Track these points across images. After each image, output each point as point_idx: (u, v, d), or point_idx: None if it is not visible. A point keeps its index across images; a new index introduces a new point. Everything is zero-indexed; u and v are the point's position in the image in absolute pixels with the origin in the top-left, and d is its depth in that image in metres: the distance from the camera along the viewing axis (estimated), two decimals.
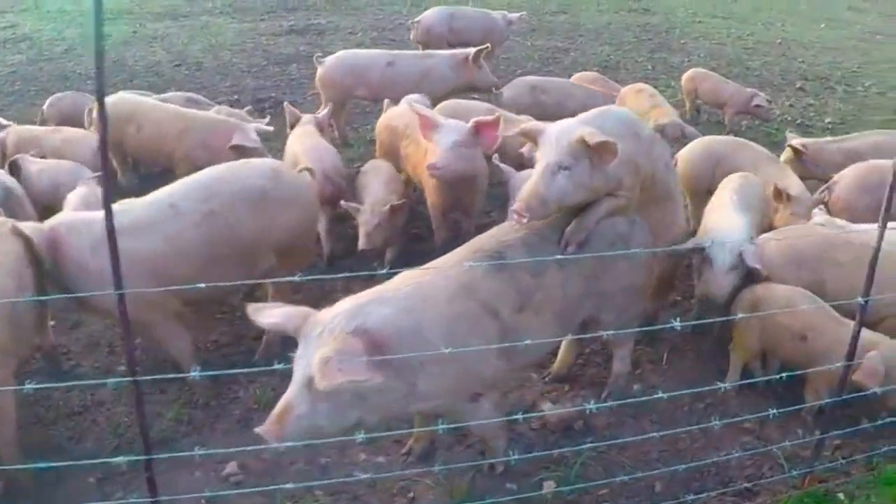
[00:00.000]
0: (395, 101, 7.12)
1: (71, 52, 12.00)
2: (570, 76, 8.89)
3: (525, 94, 7.82)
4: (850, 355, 3.65)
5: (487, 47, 8.02)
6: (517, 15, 10.45)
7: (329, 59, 8.03)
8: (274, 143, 6.94)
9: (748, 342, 4.53)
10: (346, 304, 3.32)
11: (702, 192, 5.74)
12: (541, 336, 3.64)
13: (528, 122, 4.19)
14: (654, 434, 4.08)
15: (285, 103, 6.95)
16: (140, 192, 4.55)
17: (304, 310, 3.29)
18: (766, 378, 4.52)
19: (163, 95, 7.44)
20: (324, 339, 3.10)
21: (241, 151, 5.93)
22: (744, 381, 4.49)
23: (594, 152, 3.76)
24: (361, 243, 5.43)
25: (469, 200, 5.56)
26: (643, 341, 4.96)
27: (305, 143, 6.01)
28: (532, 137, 4.03)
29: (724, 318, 4.43)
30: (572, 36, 13.41)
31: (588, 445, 4.11)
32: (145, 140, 6.46)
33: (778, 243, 4.63)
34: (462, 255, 3.74)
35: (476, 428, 3.83)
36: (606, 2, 16.40)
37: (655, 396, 3.54)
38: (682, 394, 4.16)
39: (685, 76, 9.31)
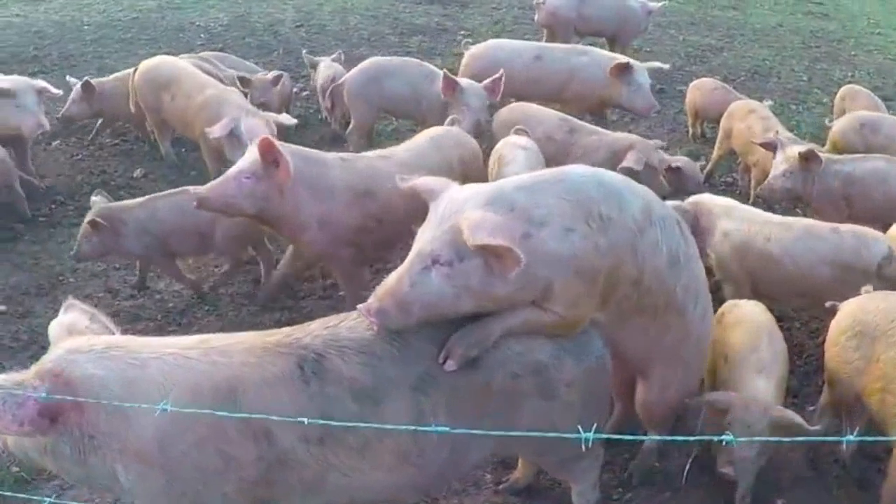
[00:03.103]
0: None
1: (202, 2, 11.76)
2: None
3: (852, 133, 6.24)
4: None
5: (629, 63, 6.75)
6: (658, 4, 9.35)
7: (477, 48, 7.28)
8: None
9: None
10: (77, 342, 2.65)
11: None
12: (367, 483, 2.68)
13: (422, 178, 2.96)
14: None
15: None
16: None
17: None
18: None
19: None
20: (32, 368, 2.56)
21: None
22: None
23: (488, 253, 2.56)
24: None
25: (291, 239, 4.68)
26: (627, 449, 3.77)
27: None
28: (427, 199, 2.83)
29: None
30: (733, 34, 12.09)
31: None
32: (176, 110, 5.99)
33: None
34: (265, 341, 2.69)
35: None
36: (784, 0, 14.85)
37: None
38: None
39: (839, 93, 8.03)
